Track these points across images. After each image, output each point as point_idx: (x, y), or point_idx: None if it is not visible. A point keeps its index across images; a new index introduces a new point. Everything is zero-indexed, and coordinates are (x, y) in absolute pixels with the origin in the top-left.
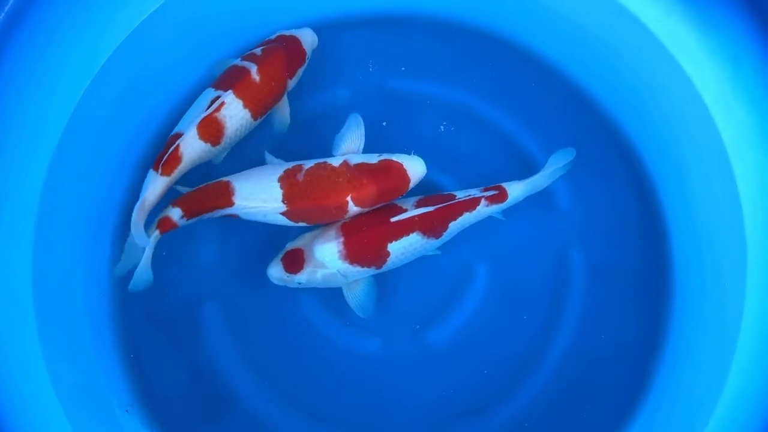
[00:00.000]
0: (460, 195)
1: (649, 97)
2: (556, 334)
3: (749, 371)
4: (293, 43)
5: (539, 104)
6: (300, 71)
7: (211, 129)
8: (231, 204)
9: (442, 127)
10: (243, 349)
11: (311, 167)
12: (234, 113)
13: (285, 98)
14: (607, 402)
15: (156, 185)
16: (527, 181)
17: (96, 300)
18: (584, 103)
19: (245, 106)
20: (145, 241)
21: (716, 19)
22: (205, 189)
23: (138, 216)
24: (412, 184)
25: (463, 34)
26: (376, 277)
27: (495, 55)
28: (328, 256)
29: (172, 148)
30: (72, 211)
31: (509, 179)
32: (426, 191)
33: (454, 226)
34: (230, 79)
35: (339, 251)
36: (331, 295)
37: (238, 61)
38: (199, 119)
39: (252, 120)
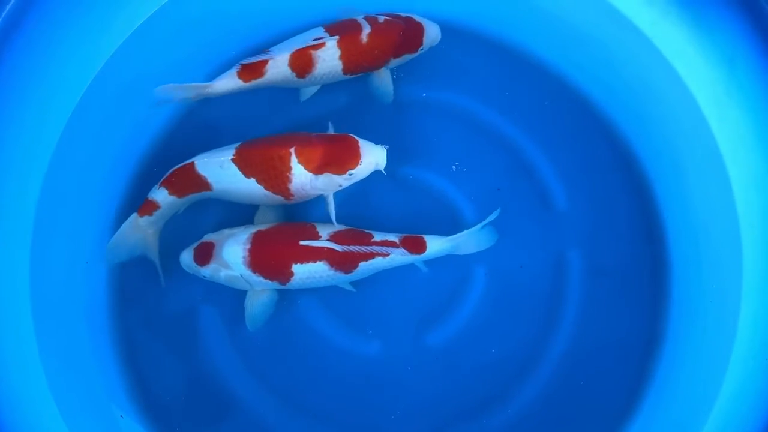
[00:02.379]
0: (378, 237)
1: (646, 100)
2: (555, 335)
3: (747, 370)
4: (415, 29)
5: (536, 106)
6: (406, 57)
7: (302, 62)
8: (192, 163)
9: (453, 167)
10: (241, 352)
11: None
12: (328, 58)
13: (387, 73)
14: (606, 402)
15: (229, 81)
16: (450, 238)
17: (94, 304)
18: (581, 105)
19: (341, 57)
20: (166, 95)
21: (711, 22)
22: None
23: (193, 87)
24: (362, 164)
25: (460, 36)
26: (374, 279)
27: (491, 57)
28: (232, 258)
29: (260, 59)
30: (70, 213)
31: (503, 180)
32: (421, 189)
33: (366, 267)
34: (342, 28)
35: (243, 257)
36: (328, 297)
37: (359, 17)
38: (295, 48)
39: (341, 73)
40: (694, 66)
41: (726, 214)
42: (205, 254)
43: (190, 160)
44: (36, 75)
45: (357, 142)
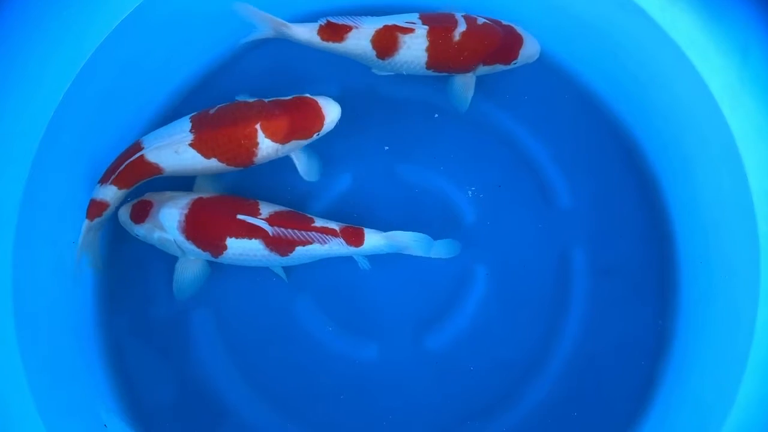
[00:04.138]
0: (318, 223)
1: (653, 90)
2: (559, 338)
3: (766, 374)
4: (513, 40)
5: (537, 99)
6: (498, 68)
7: (385, 41)
8: (140, 148)
9: (470, 192)
10: (235, 358)
11: (225, 104)
12: (413, 46)
13: (472, 79)
14: (613, 407)
15: (307, 32)
16: (385, 234)
17: (80, 309)
18: (584, 97)
19: (427, 49)
20: (247, 15)
21: (723, 8)
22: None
23: (271, 19)
24: (326, 124)
25: None
26: (371, 281)
27: None
28: (168, 221)
29: (345, 23)
30: (55, 215)
31: (504, 176)
32: (420, 187)
33: (303, 252)
34: (437, 19)
35: (179, 221)
36: (325, 301)
37: (460, 13)
38: (383, 24)
39: (423, 66)
40: (705, 54)
41: (740, 208)
42: (141, 212)
43: (139, 153)
44: (16, 73)
45: (317, 102)
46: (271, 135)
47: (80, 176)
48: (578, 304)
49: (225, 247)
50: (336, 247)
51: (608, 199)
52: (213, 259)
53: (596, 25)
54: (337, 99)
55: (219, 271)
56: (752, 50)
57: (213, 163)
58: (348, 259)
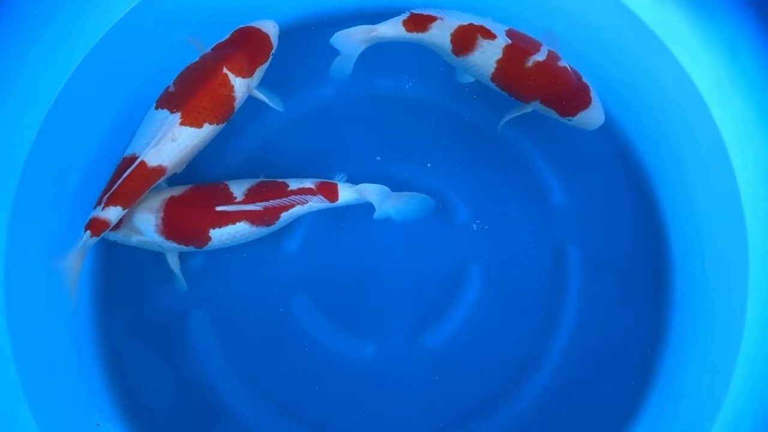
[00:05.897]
0: (293, 185)
1: (644, 88)
2: (555, 334)
3: (756, 366)
4: (581, 97)
5: None
6: (551, 113)
7: (464, 39)
8: (135, 158)
9: (474, 225)
10: (232, 358)
11: (177, 76)
12: (487, 52)
13: (524, 108)
14: (609, 403)
15: (393, 27)
16: (357, 187)
17: (77, 310)
18: None
19: (498, 61)
20: (342, 42)
21: (711, 7)
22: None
23: (360, 31)
24: (273, 39)
25: None
26: (367, 280)
27: None
28: (144, 226)
29: (431, 14)
30: (49, 215)
31: (498, 175)
32: (414, 186)
33: (287, 216)
34: (521, 39)
35: (156, 224)
36: (321, 299)
37: (546, 46)
38: (468, 22)
39: (488, 76)
40: (694, 52)
41: (730, 205)
42: None
43: (137, 161)
44: (11, 73)
45: (254, 27)
46: (239, 72)
47: (74, 176)
48: (573, 300)
49: (209, 239)
50: (316, 204)
51: (601, 195)
52: (198, 250)
53: (588, 23)
54: (333, 99)
55: (216, 271)
56: (740, 49)
57: (205, 131)
58: (345, 258)
